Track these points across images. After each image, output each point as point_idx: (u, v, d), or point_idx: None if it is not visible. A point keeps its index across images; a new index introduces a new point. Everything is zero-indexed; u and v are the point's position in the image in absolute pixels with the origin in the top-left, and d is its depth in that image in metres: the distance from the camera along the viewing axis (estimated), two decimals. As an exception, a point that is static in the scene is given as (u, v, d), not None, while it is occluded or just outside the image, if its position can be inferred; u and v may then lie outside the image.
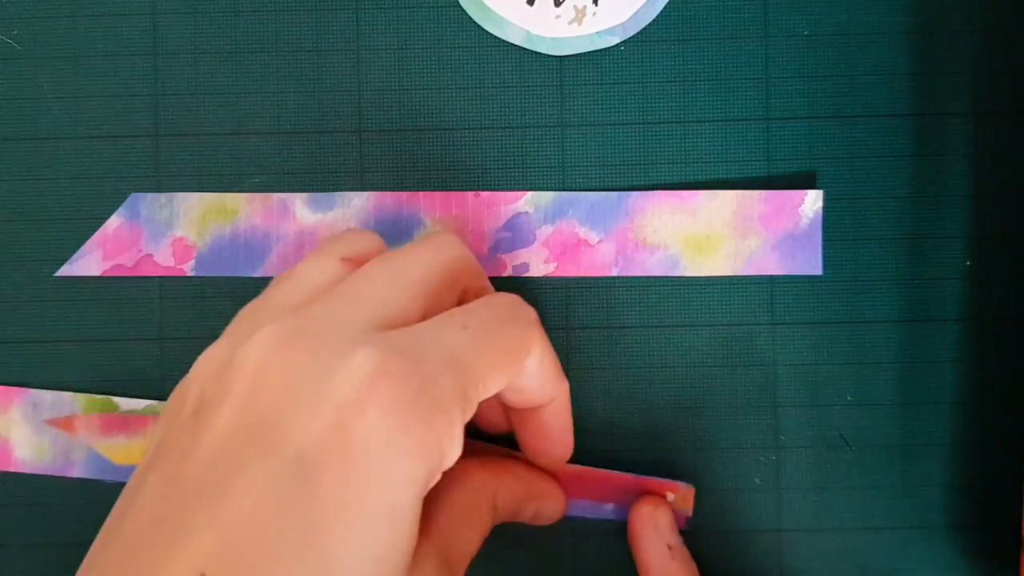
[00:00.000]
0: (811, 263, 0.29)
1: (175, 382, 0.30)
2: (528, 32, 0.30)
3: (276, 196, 0.30)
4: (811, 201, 0.29)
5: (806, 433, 0.30)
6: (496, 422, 0.28)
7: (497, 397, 0.27)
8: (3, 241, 0.30)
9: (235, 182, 0.30)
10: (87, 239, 0.30)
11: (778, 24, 0.30)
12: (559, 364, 0.25)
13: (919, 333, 0.30)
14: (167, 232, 0.30)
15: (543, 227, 0.30)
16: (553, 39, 0.30)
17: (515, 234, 0.30)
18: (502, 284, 0.30)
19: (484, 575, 0.29)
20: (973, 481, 0.30)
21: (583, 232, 0.30)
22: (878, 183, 0.30)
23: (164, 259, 0.30)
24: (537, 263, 0.30)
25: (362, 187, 0.30)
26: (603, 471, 0.29)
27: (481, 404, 0.27)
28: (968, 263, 0.30)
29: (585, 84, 0.30)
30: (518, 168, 0.30)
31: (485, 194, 0.30)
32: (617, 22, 0.30)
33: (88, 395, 0.30)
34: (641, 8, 0.30)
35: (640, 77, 0.30)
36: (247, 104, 0.30)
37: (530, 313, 0.24)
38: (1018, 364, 0.30)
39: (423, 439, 0.20)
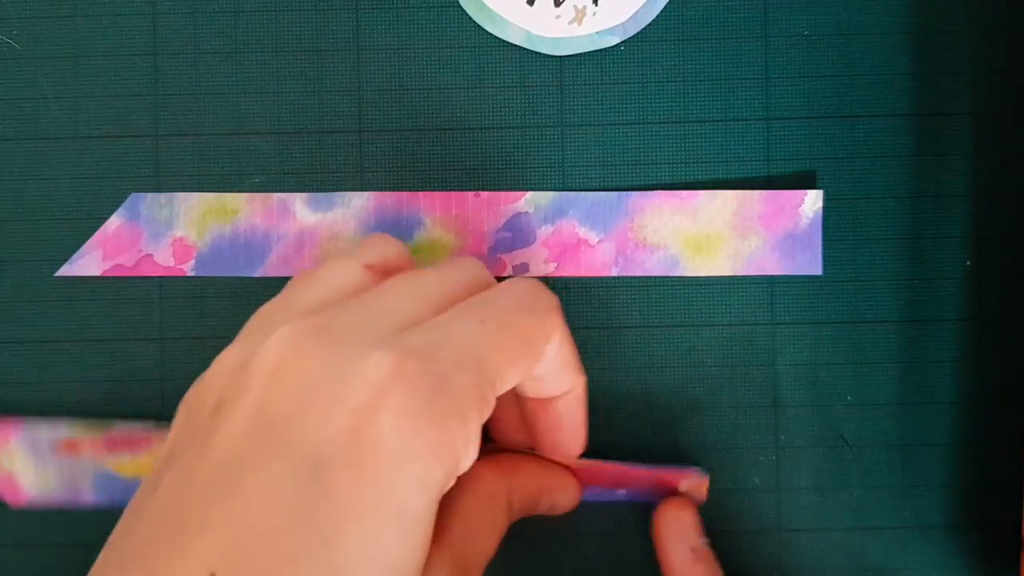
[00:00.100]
0: (811, 263, 0.29)
1: (175, 382, 0.30)
2: (528, 32, 0.30)
3: (276, 196, 0.30)
4: (811, 201, 0.29)
5: (806, 433, 0.30)
6: (514, 437, 0.28)
7: (514, 408, 0.27)
8: (3, 241, 0.30)
9: (235, 182, 0.30)
10: (87, 239, 0.30)
11: (778, 24, 0.30)
12: (578, 355, 0.25)
13: (919, 333, 0.30)
14: (167, 232, 0.30)
15: (543, 227, 0.30)
16: (553, 39, 0.30)
17: (515, 234, 0.30)
18: (502, 284, 0.30)
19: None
20: (973, 481, 0.30)
21: (583, 232, 0.30)
22: (878, 183, 0.30)
23: (164, 259, 0.30)
24: (537, 263, 0.30)
25: (362, 187, 0.30)
26: (615, 464, 0.28)
27: (499, 419, 0.27)
28: (968, 263, 0.30)
29: (585, 84, 0.30)
30: (518, 168, 0.30)
31: (485, 194, 0.30)
32: (617, 22, 0.30)
33: (84, 420, 0.29)
34: (641, 8, 0.30)
35: (640, 77, 0.30)
36: (247, 104, 0.30)
37: (550, 299, 0.24)
38: (1018, 364, 0.30)
39: (437, 442, 0.20)
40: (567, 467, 0.28)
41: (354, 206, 0.30)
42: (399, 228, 0.30)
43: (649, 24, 0.30)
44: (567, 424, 0.26)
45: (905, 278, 0.30)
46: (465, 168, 0.30)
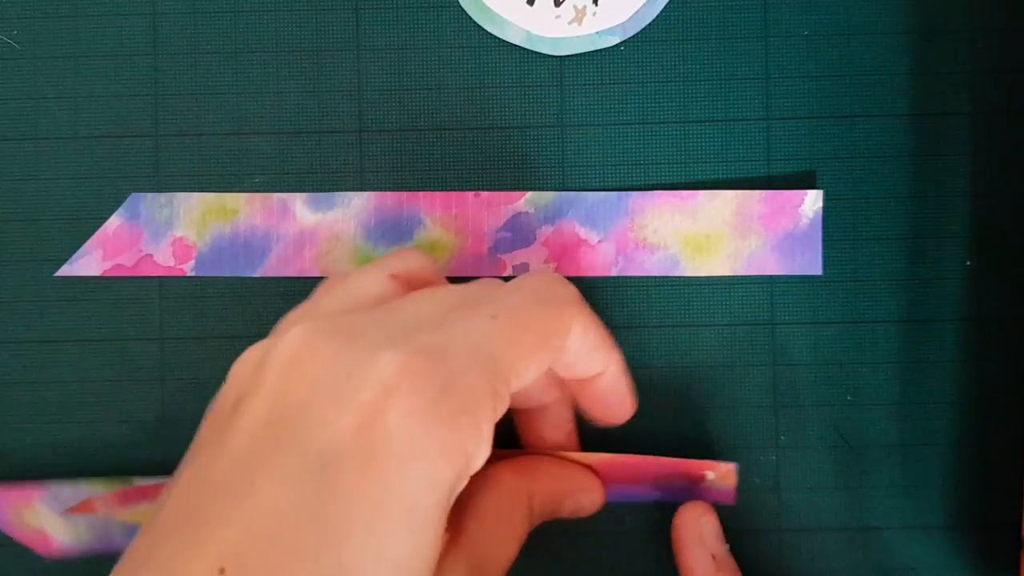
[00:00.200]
0: (811, 263, 0.29)
1: (175, 382, 0.30)
2: (528, 32, 0.30)
3: (276, 196, 0.30)
4: (811, 201, 0.29)
5: (806, 433, 0.30)
6: (543, 437, 0.28)
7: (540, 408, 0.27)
8: (3, 241, 0.30)
9: (235, 182, 0.30)
10: (87, 239, 0.30)
11: (778, 24, 0.30)
12: (607, 335, 0.25)
13: (919, 333, 0.30)
14: (167, 232, 0.30)
15: (543, 227, 0.30)
16: (553, 39, 0.30)
17: (515, 234, 0.30)
18: (502, 284, 0.30)
19: None
20: (973, 481, 0.30)
21: (583, 232, 0.30)
22: (878, 183, 0.30)
23: (164, 259, 0.30)
24: (537, 263, 0.30)
25: (362, 187, 0.30)
26: (640, 456, 0.28)
27: (527, 419, 0.26)
28: (968, 263, 0.30)
29: (585, 84, 0.30)
30: (518, 168, 0.30)
31: (485, 194, 0.30)
32: (617, 22, 0.30)
33: (103, 478, 0.29)
34: (641, 8, 0.30)
35: (640, 77, 0.30)
36: (247, 104, 0.30)
37: (567, 291, 0.24)
38: (1018, 364, 0.30)
39: (445, 441, 0.20)
40: (591, 467, 0.27)
41: (354, 206, 0.30)
42: (399, 228, 0.30)
43: (649, 24, 0.30)
44: (611, 397, 0.26)
45: (905, 278, 0.30)
46: (465, 168, 0.30)
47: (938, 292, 0.30)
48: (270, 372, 0.21)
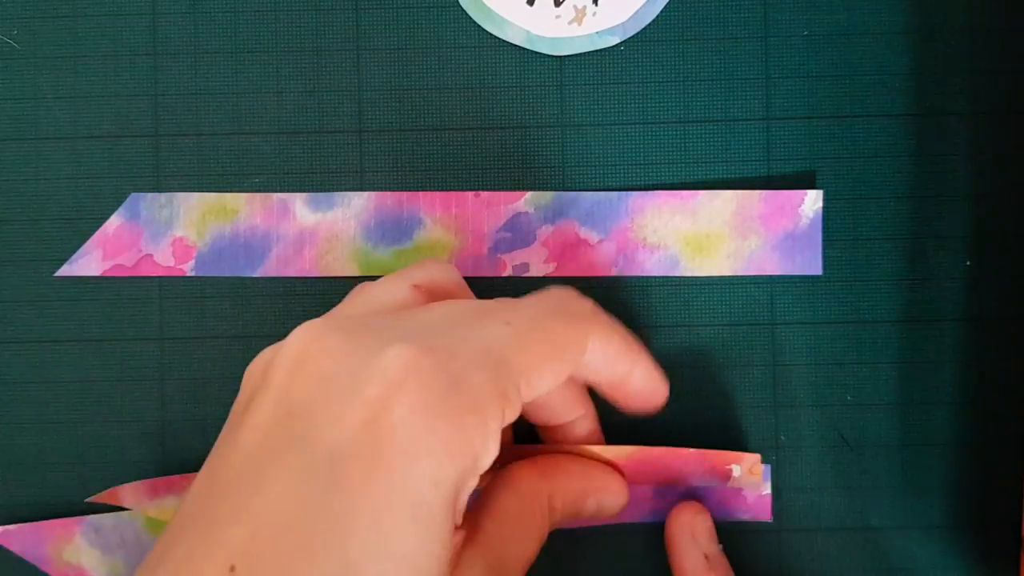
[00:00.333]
0: (811, 263, 0.29)
1: (175, 382, 0.30)
2: (528, 32, 0.30)
3: (276, 196, 0.30)
4: (811, 201, 0.29)
5: (806, 433, 0.30)
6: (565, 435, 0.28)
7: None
8: (3, 241, 0.30)
9: (235, 182, 0.30)
10: (87, 239, 0.30)
11: (778, 24, 0.30)
12: (630, 340, 0.25)
13: (919, 333, 0.30)
14: (167, 232, 0.30)
15: (543, 227, 0.30)
16: (553, 39, 0.30)
17: (515, 234, 0.30)
18: (502, 284, 0.30)
19: None
20: (973, 481, 0.30)
21: (583, 232, 0.30)
22: (878, 183, 0.30)
23: (164, 259, 0.30)
24: (537, 263, 0.30)
25: (362, 187, 0.30)
26: (664, 449, 0.27)
27: (552, 431, 0.26)
28: (968, 263, 0.30)
29: (585, 84, 0.30)
30: (518, 168, 0.30)
31: (485, 194, 0.30)
32: (617, 22, 0.30)
33: (146, 515, 0.29)
34: (641, 8, 0.30)
35: (640, 77, 0.30)
36: (247, 104, 0.30)
37: (583, 305, 0.24)
38: (1018, 364, 0.30)
39: (451, 439, 0.20)
40: (613, 463, 0.27)
41: (354, 206, 0.30)
42: (399, 228, 0.30)
43: (649, 24, 0.30)
44: (643, 393, 0.26)
45: (905, 278, 0.30)
46: (465, 168, 0.30)
47: (938, 292, 0.30)
48: (278, 371, 0.21)
